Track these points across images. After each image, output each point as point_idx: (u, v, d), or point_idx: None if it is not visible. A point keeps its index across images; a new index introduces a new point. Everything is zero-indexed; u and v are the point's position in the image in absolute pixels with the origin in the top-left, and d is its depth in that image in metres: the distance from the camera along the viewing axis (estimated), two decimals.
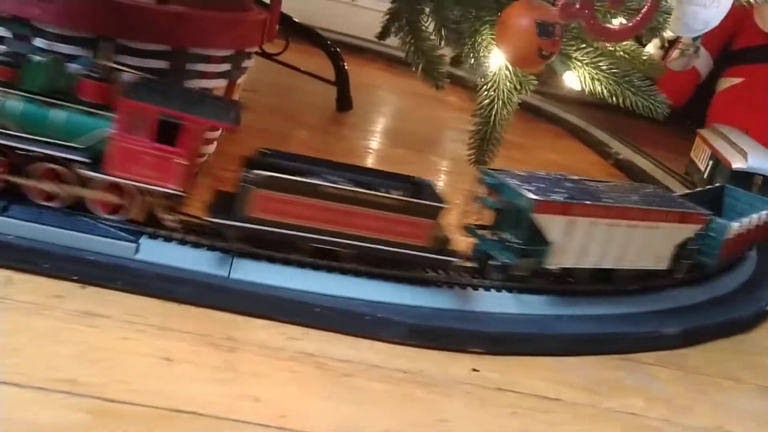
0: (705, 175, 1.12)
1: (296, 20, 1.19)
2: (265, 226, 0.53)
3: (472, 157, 0.83)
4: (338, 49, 1.24)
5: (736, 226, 0.74)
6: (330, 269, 0.55)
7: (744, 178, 1.03)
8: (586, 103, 1.51)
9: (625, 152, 1.32)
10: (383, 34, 1.08)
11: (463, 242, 0.62)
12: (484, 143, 0.81)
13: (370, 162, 1.00)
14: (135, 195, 0.52)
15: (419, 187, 0.60)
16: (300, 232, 0.53)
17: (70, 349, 0.43)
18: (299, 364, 0.48)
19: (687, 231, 0.66)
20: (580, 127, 1.47)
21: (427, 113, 1.44)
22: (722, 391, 0.60)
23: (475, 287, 0.58)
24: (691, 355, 0.64)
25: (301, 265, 0.55)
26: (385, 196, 0.55)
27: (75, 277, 0.50)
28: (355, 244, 0.54)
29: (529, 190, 0.58)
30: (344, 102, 1.22)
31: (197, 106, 0.52)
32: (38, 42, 0.59)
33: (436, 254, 0.56)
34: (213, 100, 0.58)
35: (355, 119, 1.22)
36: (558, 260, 0.59)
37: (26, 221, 0.51)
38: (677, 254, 0.67)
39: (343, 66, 1.23)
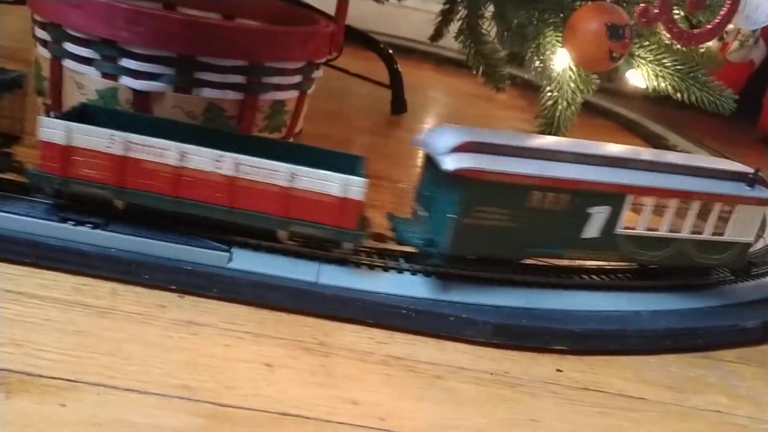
0: None
1: (349, 24, 1.21)
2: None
3: None
4: (391, 53, 1.25)
5: None
6: (413, 272, 0.57)
7: None
8: (637, 95, 1.50)
9: (684, 145, 1.30)
10: (436, 36, 1.10)
11: None
12: None
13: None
14: None
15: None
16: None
17: (179, 356, 0.46)
18: (390, 367, 0.50)
19: None
20: (635, 120, 1.46)
21: (478, 112, 1.45)
22: None
23: (554, 286, 0.59)
24: None
25: (385, 269, 0.57)
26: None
27: (174, 287, 0.53)
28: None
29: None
30: (399, 104, 1.24)
31: None
32: (125, 62, 0.62)
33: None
34: None
35: (410, 121, 1.24)
36: None
37: (127, 235, 0.53)
38: None
39: (397, 69, 1.24)
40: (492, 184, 0.54)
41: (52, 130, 0.52)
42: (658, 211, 0.60)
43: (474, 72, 0.88)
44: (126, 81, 0.63)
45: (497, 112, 1.47)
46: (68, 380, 0.42)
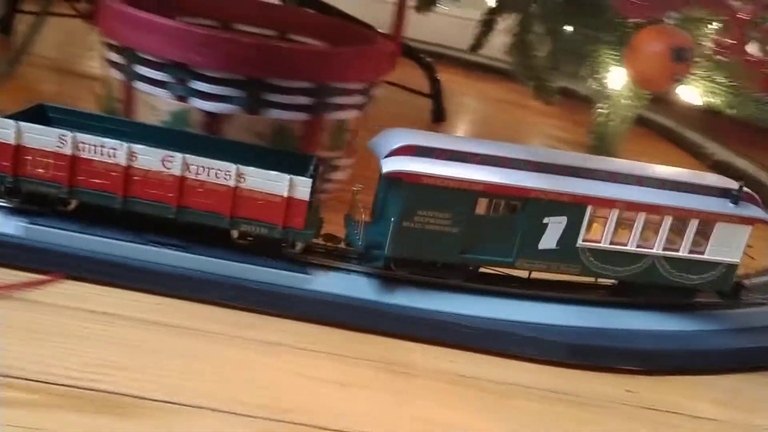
0: None
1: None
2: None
3: None
4: (431, 62, 1.27)
5: None
6: (478, 292, 0.58)
7: None
8: (670, 101, 1.50)
9: (721, 153, 1.31)
10: (476, 46, 1.11)
11: None
12: None
13: None
14: None
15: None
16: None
17: (262, 376, 0.48)
18: (460, 386, 0.52)
19: None
20: (670, 128, 1.47)
21: (512, 119, 1.46)
22: None
23: (620, 306, 0.61)
24: None
25: (452, 288, 0.58)
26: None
27: (255, 307, 0.55)
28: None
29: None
30: (439, 113, 1.25)
31: None
32: (196, 85, 0.64)
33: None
34: None
35: (449, 129, 1.25)
36: None
37: (208, 256, 0.55)
38: None
39: (437, 78, 1.26)
40: (435, 188, 0.54)
41: (3, 129, 0.53)
42: (625, 224, 0.58)
43: (526, 85, 0.89)
44: (197, 103, 0.65)
45: (532, 118, 1.48)
46: (171, 402, 0.44)
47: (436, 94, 1.25)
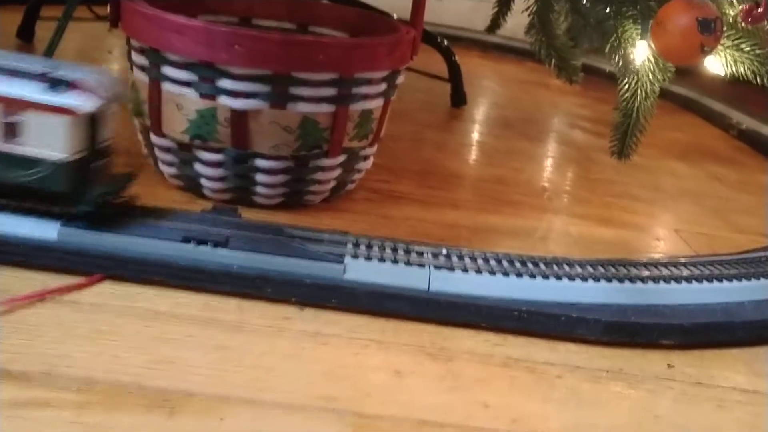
0: None
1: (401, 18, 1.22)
2: None
3: (615, 149, 0.84)
4: (449, 45, 1.26)
5: None
6: (519, 274, 0.59)
7: None
8: (693, 73, 1.48)
9: (748, 122, 1.29)
10: (493, 27, 1.10)
11: None
12: (627, 136, 0.82)
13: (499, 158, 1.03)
14: None
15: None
16: None
17: (317, 367, 0.48)
18: (511, 369, 0.52)
19: None
20: (693, 98, 1.45)
21: (536, 99, 1.45)
22: None
23: (655, 280, 0.61)
24: None
25: (492, 273, 0.59)
26: None
27: (294, 299, 0.55)
28: None
29: None
30: (459, 97, 1.25)
31: None
32: (223, 83, 0.65)
33: None
34: None
35: (472, 113, 1.25)
36: None
37: (248, 251, 0.56)
38: None
39: (455, 62, 1.25)
40: None
41: None
42: None
43: (547, 65, 0.88)
44: (224, 100, 0.65)
45: (553, 97, 1.47)
46: (221, 396, 0.44)
47: (455, 78, 1.24)
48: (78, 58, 1.24)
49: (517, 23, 0.98)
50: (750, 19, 0.55)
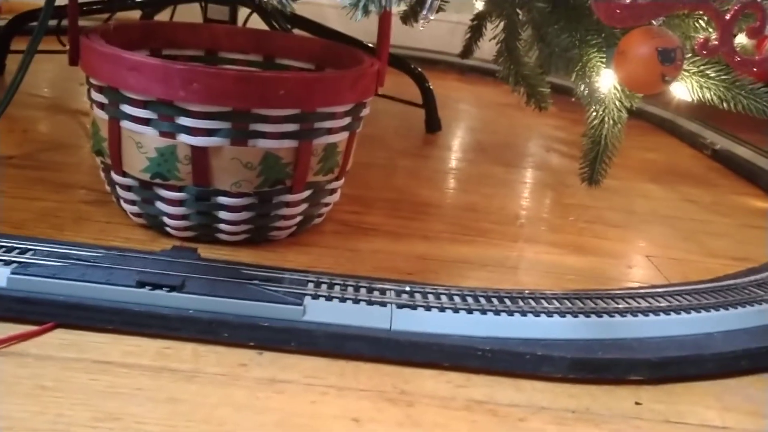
0: None
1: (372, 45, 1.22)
2: None
3: (585, 175, 0.84)
4: (422, 71, 1.26)
5: None
6: (483, 311, 0.58)
7: None
8: (664, 92, 1.49)
9: (722, 142, 1.29)
10: (466, 53, 1.10)
11: None
12: (596, 162, 0.82)
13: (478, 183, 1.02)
14: None
15: None
16: None
17: (270, 418, 0.47)
18: (473, 412, 0.51)
19: None
20: (667, 119, 1.45)
21: (511, 122, 1.45)
22: None
23: (622, 314, 0.60)
24: None
25: (455, 310, 0.57)
26: None
27: (252, 343, 0.54)
28: None
29: None
30: (433, 123, 1.25)
31: None
32: (182, 120, 0.64)
33: None
34: None
35: (446, 138, 1.24)
36: None
37: (204, 295, 0.55)
38: None
39: (429, 88, 1.25)
40: None
41: None
42: None
43: (517, 93, 0.88)
44: (184, 138, 0.64)
45: (530, 120, 1.47)
46: None
47: (428, 104, 1.24)
48: (50, 89, 1.23)
49: (493, 46, 0.98)
50: (705, 51, 0.55)
